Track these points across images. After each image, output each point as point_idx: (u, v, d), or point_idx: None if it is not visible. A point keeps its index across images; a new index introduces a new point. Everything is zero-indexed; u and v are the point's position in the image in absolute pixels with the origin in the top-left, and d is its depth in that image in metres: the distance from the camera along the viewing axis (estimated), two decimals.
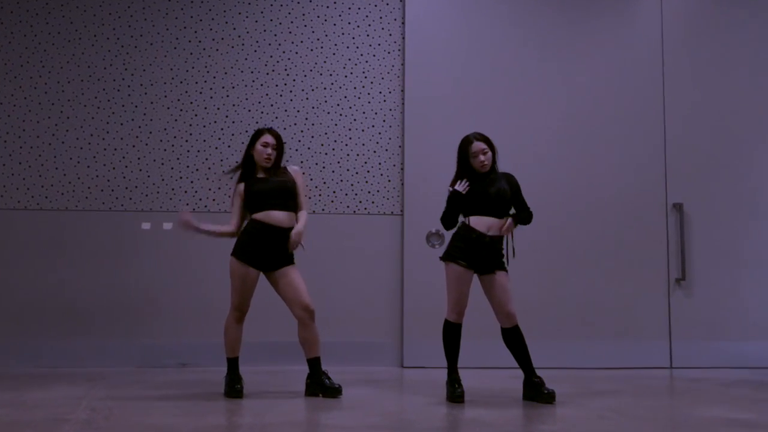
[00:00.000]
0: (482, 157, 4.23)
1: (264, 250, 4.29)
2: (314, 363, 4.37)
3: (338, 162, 6.03)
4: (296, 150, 6.01)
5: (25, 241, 5.76)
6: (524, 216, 4.35)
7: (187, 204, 5.89)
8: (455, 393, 4.15)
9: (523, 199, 4.37)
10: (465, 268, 4.19)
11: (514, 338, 4.22)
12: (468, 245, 4.19)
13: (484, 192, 4.22)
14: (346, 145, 6.07)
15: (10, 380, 4.89)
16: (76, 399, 4.14)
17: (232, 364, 4.38)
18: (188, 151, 5.97)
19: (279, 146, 4.47)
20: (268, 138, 4.44)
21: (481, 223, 4.20)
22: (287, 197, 4.36)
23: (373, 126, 6.11)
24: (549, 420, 3.67)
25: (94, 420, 3.54)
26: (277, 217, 4.29)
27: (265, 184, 4.37)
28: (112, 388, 4.56)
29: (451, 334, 4.25)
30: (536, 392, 4.17)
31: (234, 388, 4.27)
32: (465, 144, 4.30)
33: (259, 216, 4.30)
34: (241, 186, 4.43)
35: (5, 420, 3.51)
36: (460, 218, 4.32)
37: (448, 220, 4.32)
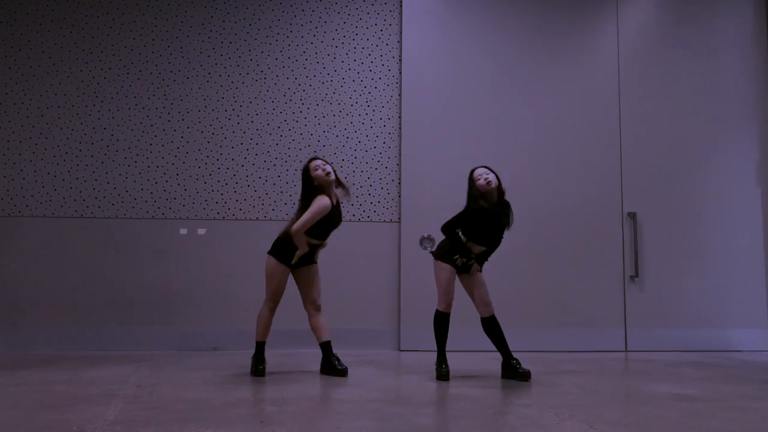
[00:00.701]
0: (486, 176, 4.17)
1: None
2: (324, 347, 4.40)
3: (345, 177, 6.05)
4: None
5: (82, 244, 5.78)
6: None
7: (218, 212, 5.91)
8: (441, 372, 4.17)
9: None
10: (453, 267, 4.23)
11: (491, 326, 4.24)
12: (459, 254, 4.23)
13: (487, 232, 4.20)
14: (352, 163, 6.09)
15: (69, 361, 4.90)
16: (124, 377, 4.15)
17: (259, 347, 4.38)
18: (218, 168, 5.99)
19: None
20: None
21: (475, 247, 4.24)
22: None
23: (374, 147, 6.13)
24: (523, 395, 3.68)
25: (140, 395, 3.55)
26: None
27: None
28: (155, 368, 4.57)
29: (441, 322, 4.27)
30: (514, 372, 4.19)
31: (257, 368, 4.28)
32: (471, 172, 4.27)
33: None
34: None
35: (64, 394, 3.53)
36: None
37: (448, 236, 4.32)
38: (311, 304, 4.40)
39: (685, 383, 4.14)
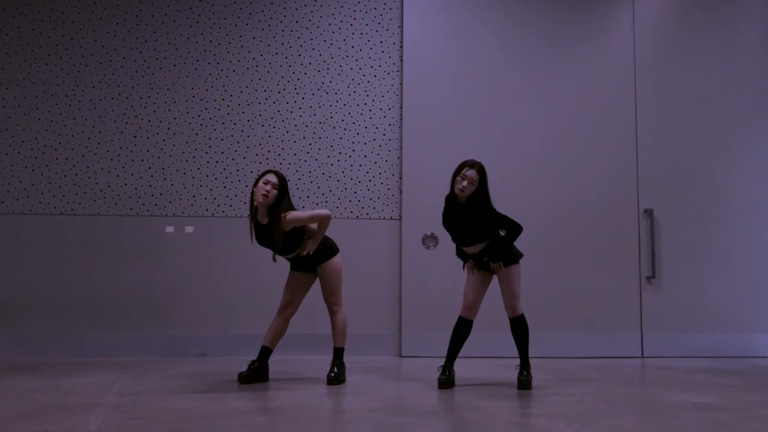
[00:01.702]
0: (464, 184, 4.10)
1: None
2: (334, 352, 4.47)
3: (343, 172, 6.05)
4: (305, 161, 6.02)
5: (62, 243, 5.77)
6: (506, 238, 4.17)
7: (207, 209, 5.91)
8: (440, 379, 4.19)
9: (505, 223, 4.16)
10: (473, 267, 4.29)
11: (514, 328, 4.26)
12: (467, 257, 4.30)
13: (455, 228, 4.21)
14: (350, 156, 6.09)
15: (49, 368, 4.89)
16: (107, 385, 4.15)
17: (261, 351, 4.40)
18: (207, 162, 5.98)
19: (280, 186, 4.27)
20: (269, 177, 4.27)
21: (468, 248, 4.26)
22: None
23: (374, 139, 6.12)
24: (533, 404, 3.68)
25: (124, 404, 3.54)
26: None
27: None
28: (139, 376, 4.57)
29: (456, 328, 4.29)
30: (518, 379, 4.20)
31: (240, 374, 4.30)
32: (459, 166, 4.20)
33: None
34: None
35: (43, 403, 3.52)
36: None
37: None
38: (327, 306, 4.52)
39: (706, 391, 4.13)
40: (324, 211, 4.31)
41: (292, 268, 4.51)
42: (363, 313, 5.87)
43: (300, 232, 4.33)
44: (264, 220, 4.28)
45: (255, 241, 4.38)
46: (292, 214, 4.21)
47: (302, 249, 4.35)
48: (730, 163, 6.23)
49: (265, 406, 3.61)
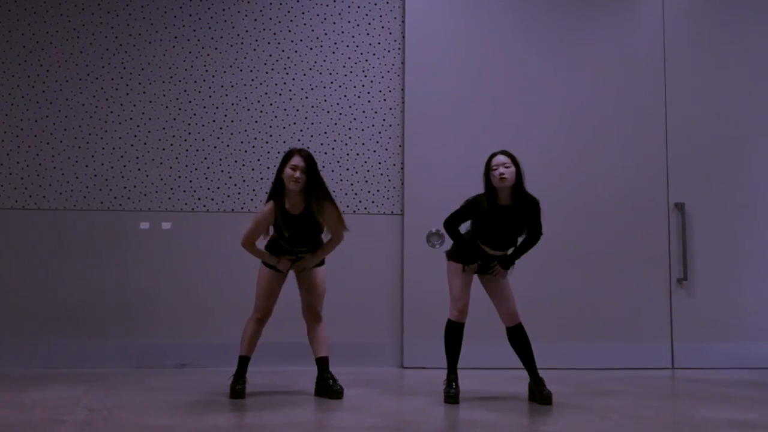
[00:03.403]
0: (502, 169, 4.13)
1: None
2: (319, 363, 4.43)
3: (338, 161, 6.04)
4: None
5: (23, 240, 5.76)
6: (524, 245, 4.30)
7: (186, 203, 5.89)
8: (450, 394, 4.18)
9: (535, 224, 4.26)
10: (467, 266, 4.27)
11: (515, 337, 4.26)
12: (475, 256, 4.27)
13: (495, 233, 4.20)
14: (346, 144, 6.07)
15: (8, 381, 4.88)
16: (74, 400, 4.14)
17: (243, 362, 4.41)
18: (187, 150, 5.97)
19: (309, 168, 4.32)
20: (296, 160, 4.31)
21: (487, 248, 4.26)
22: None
23: (372, 125, 6.11)
24: (550, 421, 3.67)
25: (93, 421, 3.54)
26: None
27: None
28: (110, 389, 4.56)
29: (451, 334, 4.30)
30: (535, 393, 4.20)
31: (234, 389, 4.29)
32: (488, 158, 4.25)
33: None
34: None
35: (2, 421, 3.51)
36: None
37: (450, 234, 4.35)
38: (308, 313, 4.51)
39: (743, 407, 4.13)
40: (346, 231, 4.45)
41: (275, 267, 4.43)
42: (361, 319, 5.87)
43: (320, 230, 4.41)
44: (298, 209, 4.30)
45: (279, 240, 4.38)
46: (337, 212, 4.36)
47: (304, 263, 4.43)
48: None
49: (250, 422, 3.60)
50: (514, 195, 4.18)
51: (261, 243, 4.42)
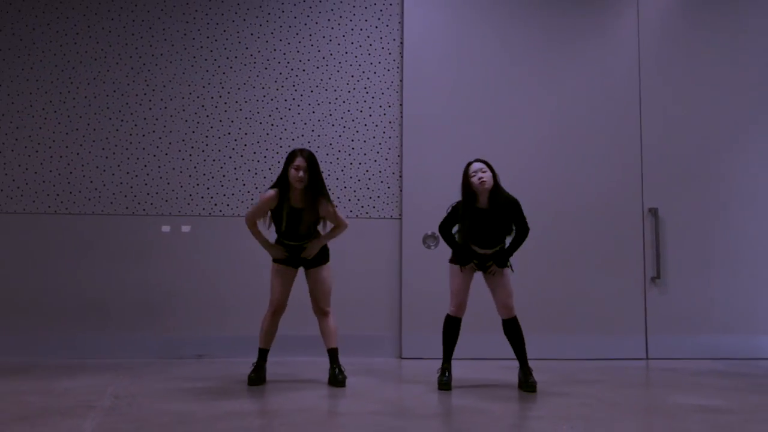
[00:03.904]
0: (480, 174, 4.18)
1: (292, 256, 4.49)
2: (329, 353, 4.46)
3: (342, 170, 6.04)
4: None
5: (55, 242, 5.76)
6: (514, 242, 4.29)
7: (204, 208, 5.90)
8: (442, 381, 4.21)
9: (520, 222, 4.27)
10: (468, 267, 4.29)
11: (509, 330, 4.26)
12: (469, 257, 4.28)
13: (480, 232, 4.22)
14: (349, 155, 6.08)
15: (42, 370, 4.89)
16: (101, 387, 4.14)
17: (260, 354, 4.45)
18: (204, 160, 5.98)
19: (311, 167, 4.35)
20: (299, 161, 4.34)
21: (476, 247, 4.28)
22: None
23: (373, 137, 6.11)
24: (536, 407, 3.67)
25: (118, 407, 3.54)
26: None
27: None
28: (134, 378, 4.56)
29: (448, 327, 4.31)
30: (522, 381, 4.21)
31: (250, 377, 4.32)
32: (466, 167, 4.30)
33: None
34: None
35: (36, 406, 3.52)
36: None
37: (444, 237, 4.38)
38: (315, 308, 4.54)
39: (711, 394, 4.13)
40: (346, 221, 4.50)
41: (283, 262, 4.45)
42: (363, 314, 5.87)
43: (317, 222, 4.46)
44: (300, 204, 4.34)
45: (276, 232, 4.43)
46: (331, 208, 4.40)
47: (308, 251, 4.43)
48: (737, 161, 6.22)
49: (262, 408, 3.60)
50: (491, 197, 4.21)
51: (251, 235, 4.49)
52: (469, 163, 4.29)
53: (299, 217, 4.34)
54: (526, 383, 4.16)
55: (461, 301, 4.27)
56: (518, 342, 4.25)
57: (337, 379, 4.31)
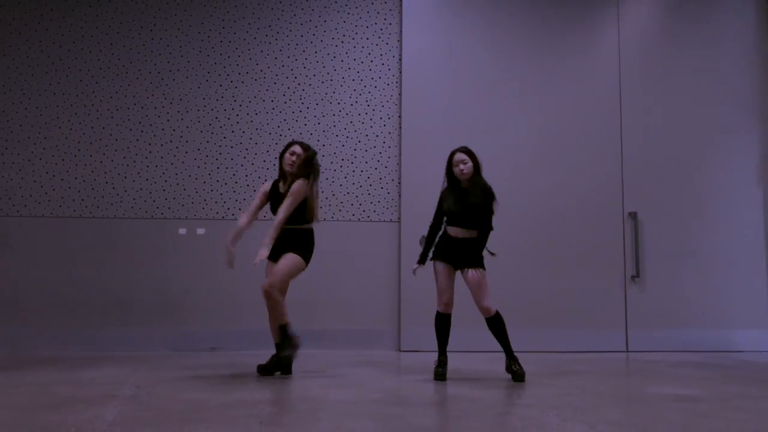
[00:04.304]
0: (462, 166, 4.22)
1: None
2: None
3: (345, 177, 6.05)
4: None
5: (81, 244, 5.77)
6: (480, 241, 4.21)
7: (218, 212, 5.90)
8: (437, 372, 4.20)
9: (487, 214, 4.21)
10: (444, 263, 4.24)
11: (492, 326, 4.20)
12: (446, 247, 4.25)
13: (455, 208, 4.23)
14: (352, 163, 6.08)
15: (67, 362, 4.88)
16: (122, 378, 4.14)
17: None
18: (218, 168, 5.98)
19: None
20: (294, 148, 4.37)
21: (453, 231, 4.26)
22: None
23: (374, 147, 6.12)
24: (525, 395, 3.67)
25: (138, 395, 3.54)
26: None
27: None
28: (153, 369, 4.56)
29: (438, 324, 4.29)
30: (509, 370, 4.20)
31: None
32: (450, 155, 4.33)
33: None
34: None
35: (63, 395, 3.52)
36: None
37: (431, 236, 4.40)
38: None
39: (687, 384, 4.13)
40: (285, 214, 4.19)
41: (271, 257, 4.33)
42: (364, 310, 5.87)
43: (303, 206, 4.28)
44: (285, 188, 4.34)
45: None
46: (300, 184, 4.22)
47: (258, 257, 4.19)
48: (711, 166, 6.23)
49: (271, 398, 3.60)
50: (471, 180, 4.26)
51: (261, 237, 4.40)
52: (454, 152, 4.30)
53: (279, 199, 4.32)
54: (515, 373, 4.14)
55: (448, 298, 4.25)
56: (501, 336, 4.19)
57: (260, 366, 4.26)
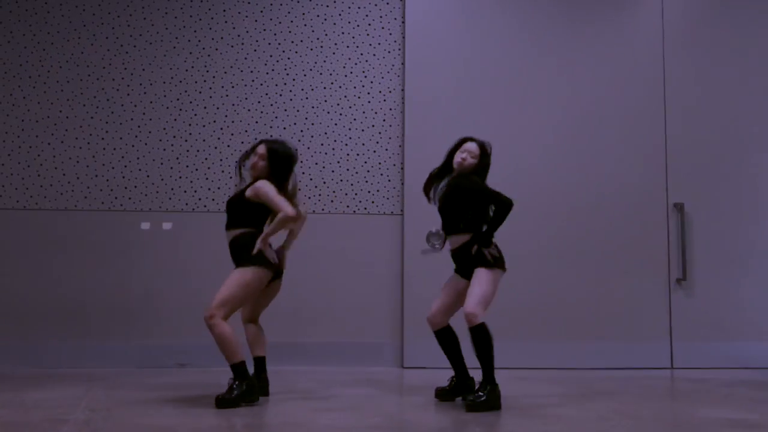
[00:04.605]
0: (466, 155, 4.16)
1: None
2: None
3: (338, 162, 6.02)
4: (296, 150, 5.98)
5: (24, 240, 5.74)
6: (492, 224, 4.08)
7: (186, 203, 5.88)
8: (437, 390, 4.25)
9: (490, 196, 4.08)
10: (457, 275, 4.25)
11: (472, 339, 4.01)
12: (452, 259, 4.28)
13: (443, 209, 4.24)
14: (346, 144, 6.05)
15: (9, 381, 4.87)
16: (75, 399, 4.13)
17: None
18: (188, 150, 5.95)
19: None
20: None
21: (449, 241, 4.27)
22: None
23: (373, 125, 6.09)
24: (549, 421, 3.65)
25: (93, 420, 3.52)
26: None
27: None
28: (111, 389, 4.55)
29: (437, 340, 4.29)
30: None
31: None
32: (461, 141, 4.26)
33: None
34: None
35: (3, 420, 3.49)
36: None
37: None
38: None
39: (743, 407, 4.12)
40: (289, 208, 4.05)
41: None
42: (361, 319, 5.85)
43: (258, 212, 4.20)
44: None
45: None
46: (262, 184, 4.14)
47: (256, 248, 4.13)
48: None
49: (251, 422, 3.58)
50: (458, 178, 4.20)
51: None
52: (465, 140, 4.24)
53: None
54: (465, 399, 3.98)
55: (432, 311, 4.26)
56: (479, 355, 3.97)
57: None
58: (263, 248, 4.09)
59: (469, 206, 4.12)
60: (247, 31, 6.09)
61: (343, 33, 6.15)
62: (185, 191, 5.91)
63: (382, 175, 6.05)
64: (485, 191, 4.09)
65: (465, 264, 4.15)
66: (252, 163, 4.29)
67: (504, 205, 4.03)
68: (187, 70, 6.02)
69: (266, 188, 4.13)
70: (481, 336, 3.93)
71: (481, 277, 4.00)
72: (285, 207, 4.03)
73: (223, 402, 3.89)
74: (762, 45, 6.29)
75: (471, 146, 4.20)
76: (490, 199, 4.09)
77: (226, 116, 6.01)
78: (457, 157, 4.20)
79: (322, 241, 5.77)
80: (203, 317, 4.05)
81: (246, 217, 4.21)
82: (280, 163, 4.27)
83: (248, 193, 4.19)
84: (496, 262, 4.05)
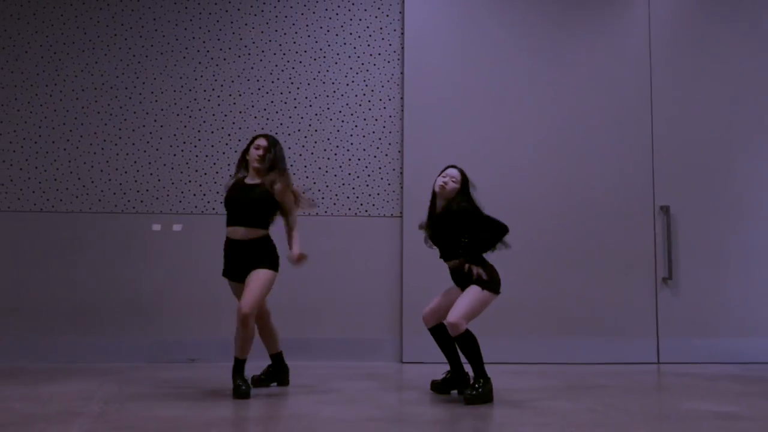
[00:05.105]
0: (447, 179, 4.16)
1: (230, 262, 4.33)
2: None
3: (340, 166, 6.02)
4: (300, 155, 6.00)
5: (41, 241, 5.75)
6: (479, 245, 4.06)
7: (196, 206, 5.88)
8: (432, 382, 4.31)
9: (483, 223, 4.07)
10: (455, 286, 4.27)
11: (461, 346, 4.03)
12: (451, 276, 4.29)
13: (436, 239, 4.25)
14: (348, 150, 6.06)
15: (27, 375, 4.87)
16: (89, 393, 4.13)
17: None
18: (197, 155, 5.96)
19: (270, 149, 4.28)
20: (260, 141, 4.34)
21: (443, 259, 4.29)
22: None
23: (373, 132, 6.09)
24: (542, 414, 3.65)
25: (107, 413, 3.52)
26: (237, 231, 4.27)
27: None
28: (123, 383, 4.55)
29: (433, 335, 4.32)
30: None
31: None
32: (445, 168, 4.28)
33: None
34: None
35: (21, 413, 3.50)
36: None
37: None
38: (238, 311, 4.19)
39: (726, 400, 4.12)
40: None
41: (232, 278, 4.33)
42: (362, 316, 5.85)
43: (274, 207, 4.26)
44: (254, 181, 4.29)
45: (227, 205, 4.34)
46: (290, 179, 4.31)
47: (294, 260, 4.22)
48: (752, 157, 6.20)
49: (257, 415, 3.59)
50: (447, 203, 4.18)
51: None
52: (448, 166, 4.28)
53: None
54: (462, 393, 4.10)
55: (427, 309, 4.29)
56: (468, 357, 3.97)
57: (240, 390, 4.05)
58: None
59: (462, 231, 4.10)
60: (254, 42, 6.10)
61: (345, 44, 6.16)
62: (195, 194, 5.92)
63: (382, 179, 6.06)
64: (478, 216, 4.09)
65: (462, 282, 4.17)
66: (257, 155, 4.27)
67: (499, 230, 4.07)
68: (196, 79, 6.03)
69: (294, 182, 4.32)
70: (467, 341, 3.96)
71: (471, 293, 4.01)
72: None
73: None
74: (747, 49, 6.29)
75: (452, 171, 4.21)
76: (484, 224, 4.08)
77: (233, 123, 6.01)
78: (439, 181, 4.19)
79: (325, 242, 5.79)
80: (241, 314, 4.04)
81: (270, 219, 4.29)
82: (281, 153, 4.34)
83: (279, 195, 4.23)
84: (490, 284, 4.03)
